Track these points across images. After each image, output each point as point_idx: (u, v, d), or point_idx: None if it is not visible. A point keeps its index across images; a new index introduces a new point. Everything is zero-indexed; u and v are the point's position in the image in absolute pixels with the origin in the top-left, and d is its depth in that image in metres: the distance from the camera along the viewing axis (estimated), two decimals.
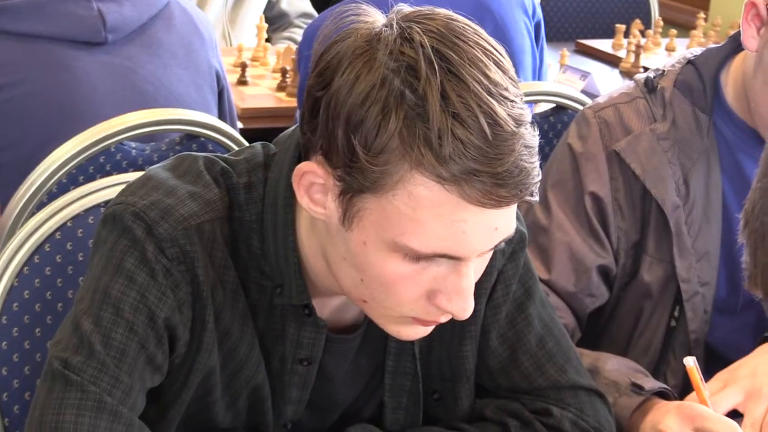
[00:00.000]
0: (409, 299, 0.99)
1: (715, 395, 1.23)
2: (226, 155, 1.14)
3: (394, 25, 0.94)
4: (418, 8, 0.97)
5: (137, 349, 1.07)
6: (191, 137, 1.80)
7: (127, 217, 1.07)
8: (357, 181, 0.95)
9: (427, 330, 1.06)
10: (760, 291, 0.69)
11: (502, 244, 1.03)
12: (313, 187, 0.99)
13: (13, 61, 1.91)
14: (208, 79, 2.02)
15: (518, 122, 0.91)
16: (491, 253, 1.03)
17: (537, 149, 0.94)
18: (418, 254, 0.95)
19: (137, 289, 1.06)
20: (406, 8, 0.98)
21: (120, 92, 1.88)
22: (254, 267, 1.11)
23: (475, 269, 1.00)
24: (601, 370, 1.30)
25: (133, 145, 1.76)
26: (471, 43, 0.94)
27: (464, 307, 0.99)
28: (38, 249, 1.39)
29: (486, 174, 0.90)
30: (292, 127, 1.10)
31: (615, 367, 1.31)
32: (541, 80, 2.21)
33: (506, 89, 0.92)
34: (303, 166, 0.97)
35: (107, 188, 1.44)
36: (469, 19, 0.98)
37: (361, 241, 0.98)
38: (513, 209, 0.97)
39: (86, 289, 1.10)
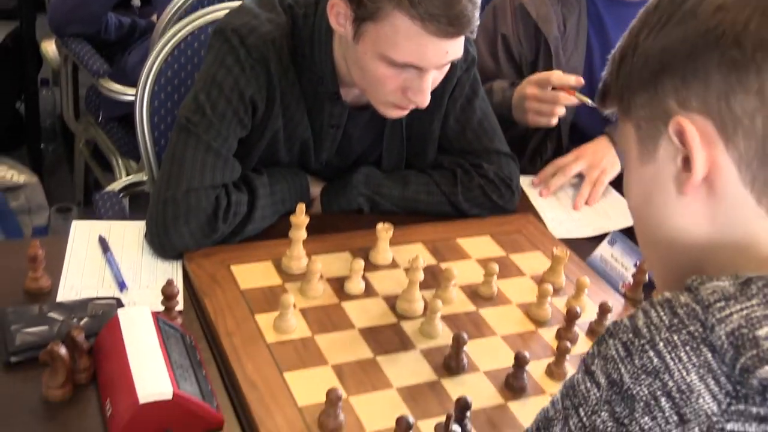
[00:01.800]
0: (390, 91, 1.37)
1: (569, 163, 1.79)
2: None
3: None
4: None
5: (232, 114, 1.42)
6: None
7: (228, 32, 1.43)
8: (362, 13, 1.30)
9: (402, 113, 1.44)
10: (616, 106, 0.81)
11: (459, 62, 1.44)
12: (339, 15, 1.35)
13: None
14: None
15: None
16: (446, 68, 1.38)
17: (479, 3, 1.32)
18: (396, 62, 1.32)
19: (233, 76, 1.42)
20: None
21: None
22: (306, 67, 1.46)
23: (433, 78, 1.36)
24: (495, 90, 1.84)
25: None
26: None
27: (424, 100, 1.37)
28: (176, 46, 1.79)
29: (442, 16, 1.26)
30: None
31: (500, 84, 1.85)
32: None
33: None
34: (333, 1, 1.35)
35: (217, 12, 1.82)
36: None
37: (363, 52, 1.34)
38: (461, 40, 1.33)
39: (202, 77, 1.46)
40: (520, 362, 1.22)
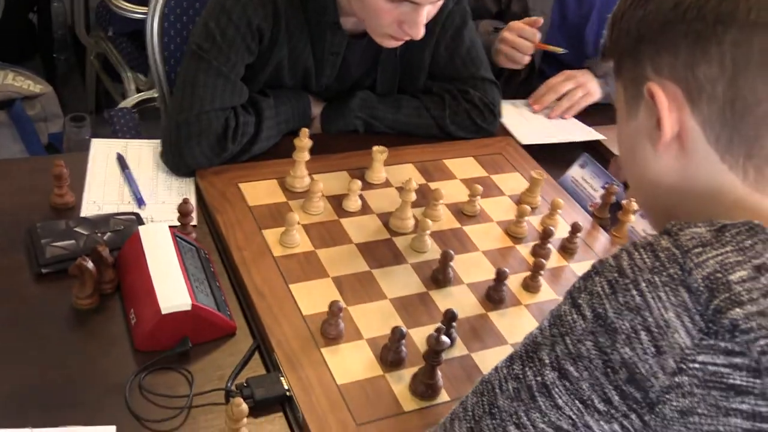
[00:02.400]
0: (387, 23, 1.35)
1: (559, 83, 1.79)
2: None
3: None
4: None
5: (240, 41, 1.40)
6: None
7: None
8: None
9: (397, 43, 1.42)
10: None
11: None
12: None
13: None
14: None
15: None
16: (440, 2, 1.36)
17: None
18: None
19: (241, 5, 1.40)
20: None
21: None
22: (310, 0, 1.45)
23: (428, 11, 1.35)
24: (480, 31, 1.83)
25: None
26: None
27: (418, 33, 1.36)
28: None
29: None
30: None
31: (485, 26, 1.85)
32: None
33: None
34: None
35: None
36: None
37: None
38: None
39: (211, 5, 1.42)
40: (500, 277, 1.24)
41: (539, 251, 1.36)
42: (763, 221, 0.70)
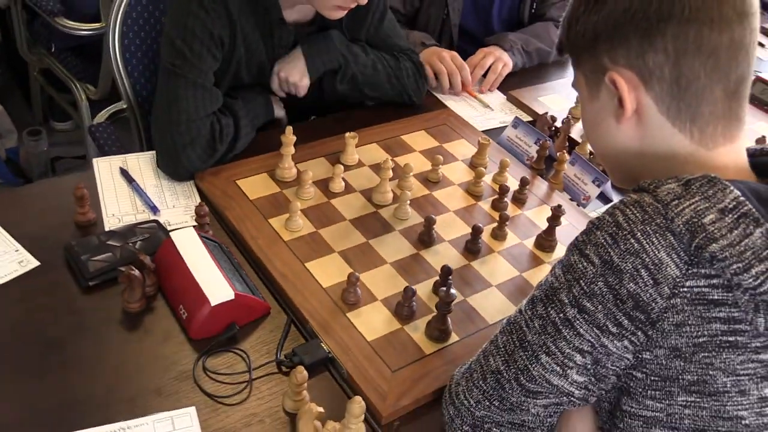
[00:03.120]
0: None
1: (480, 60, 1.87)
2: None
3: None
4: None
5: (206, 52, 1.40)
6: None
7: None
8: None
9: (342, 13, 1.43)
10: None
11: None
12: None
13: None
14: None
15: None
16: None
17: None
18: None
19: (200, 20, 1.39)
20: None
21: None
22: (257, 2, 1.46)
23: None
24: (410, 35, 1.89)
25: None
26: None
27: None
28: None
29: None
30: None
31: (416, 37, 1.89)
32: None
33: None
34: None
35: None
36: None
37: None
38: None
39: (173, 25, 1.40)
40: (476, 232, 1.34)
41: (499, 205, 1.46)
42: (710, 170, 0.82)
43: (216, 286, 1.12)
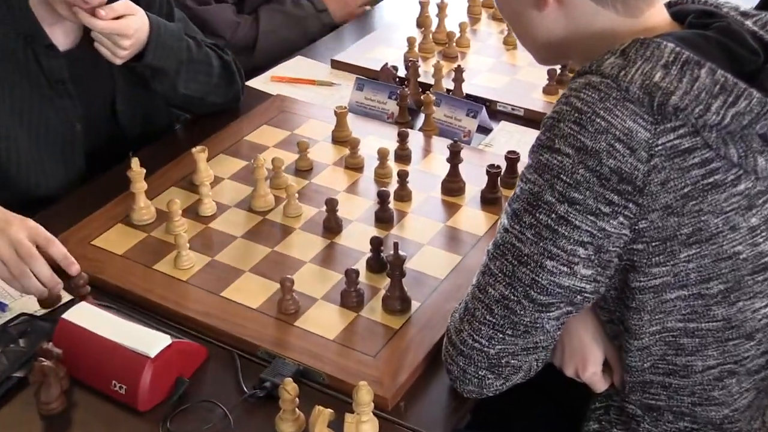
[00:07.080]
0: None
1: None
2: None
3: None
4: None
5: None
6: None
7: None
8: None
9: (70, 10, 1.49)
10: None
11: None
12: None
13: None
14: None
15: None
16: None
17: None
18: None
19: None
20: None
21: None
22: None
23: None
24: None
25: None
26: None
27: None
28: None
29: None
30: None
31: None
32: None
33: None
34: None
35: None
36: None
37: None
38: None
39: None
40: (383, 198, 1.54)
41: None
42: (641, 34, 1.06)
43: (146, 340, 1.22)
